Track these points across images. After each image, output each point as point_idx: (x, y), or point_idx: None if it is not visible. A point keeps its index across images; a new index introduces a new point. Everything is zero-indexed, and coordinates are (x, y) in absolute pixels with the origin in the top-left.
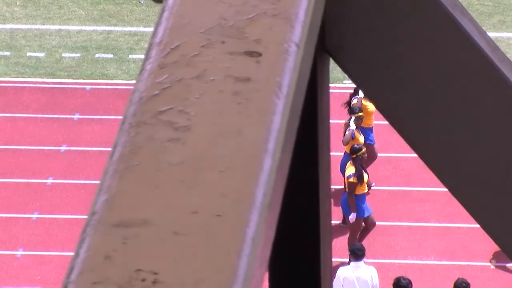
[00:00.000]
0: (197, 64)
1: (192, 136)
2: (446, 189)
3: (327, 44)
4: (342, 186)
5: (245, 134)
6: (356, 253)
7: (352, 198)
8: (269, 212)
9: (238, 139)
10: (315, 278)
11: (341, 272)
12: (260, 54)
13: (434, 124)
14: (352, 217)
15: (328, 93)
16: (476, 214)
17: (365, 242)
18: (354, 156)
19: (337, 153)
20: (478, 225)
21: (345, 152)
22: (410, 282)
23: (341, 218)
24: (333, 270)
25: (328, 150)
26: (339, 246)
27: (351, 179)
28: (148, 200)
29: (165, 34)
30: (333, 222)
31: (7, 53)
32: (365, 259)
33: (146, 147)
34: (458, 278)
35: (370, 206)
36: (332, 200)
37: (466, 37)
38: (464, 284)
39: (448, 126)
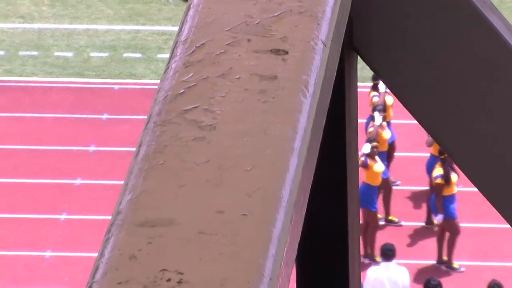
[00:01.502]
0: (222, 62)
1: (218, 135)
2: (477, 190)
3: (355, 42)
4: (428, 187)
5: (271, 133)
6: (387, 253)
7: (439, 199)
8: (295, 211)
9: (264, 138)
10: (343, 278)
11: (372, 272)
12: (286, 52)
13: (465, 124)
14: (439, 218)
15: (356, 92)
16: (507, 214)
17: (396, 243)
18: (443, 157)
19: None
20: (509, 226)
21: (431, 154)
22: (439, 284)
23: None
24: (364, 270)
25: (356, 149)
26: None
27: (438, 180)
28: (173, 200)
29: (191, 32)
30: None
31: (35, 53)
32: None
33: (171, 146)
34: (492, 280)
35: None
36: (413, 202)
37: (496, 34)
38: (497, 286)
39: (480, 126)
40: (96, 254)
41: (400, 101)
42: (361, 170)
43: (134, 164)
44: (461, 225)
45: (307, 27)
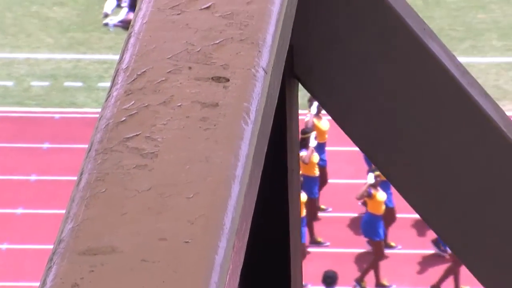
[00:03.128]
0: (164, 90)
1: (160, 163)
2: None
3: (295, 69)
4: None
5: (213, 160)
6: (327, 281)
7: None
8: (237, 238)
9: (206, 165)
10: None
11: None
12: (227, 80)
13: (403, 148)
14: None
15: (297, 119)
16: (443, 235)
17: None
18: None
19: None
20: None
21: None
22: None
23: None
24: None
25: (298, 175)
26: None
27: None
28: (115, 227)
29: (132, 60)
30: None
31: None
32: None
33: (113, 174)
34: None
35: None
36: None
37: (435, 61)
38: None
39: (417, 149)
40: (38, 284)
41: (340, 127)
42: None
43: (76, 192)
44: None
45: (248, 54)
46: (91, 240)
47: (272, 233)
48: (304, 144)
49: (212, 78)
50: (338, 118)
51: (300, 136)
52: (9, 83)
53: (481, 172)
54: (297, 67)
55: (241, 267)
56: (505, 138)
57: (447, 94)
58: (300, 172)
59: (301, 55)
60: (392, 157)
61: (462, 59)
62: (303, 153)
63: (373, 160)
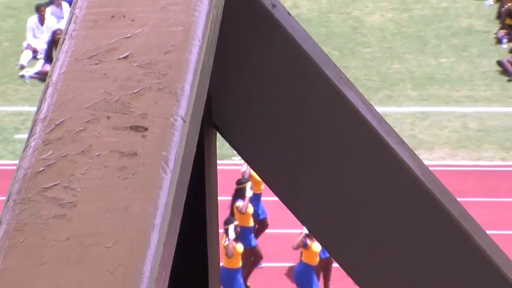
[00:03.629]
0: (82, 139)
1: (78, 212)
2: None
3: (214, 118)
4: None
5: (132, 209)
6: None
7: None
8: (156, 287)
9: (125, 214)
10: None
11: None
12: (146, 129)
13: (320, 196)
14: None
15: (215, 167)
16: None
17: None
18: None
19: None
20: None
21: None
22: None
23: None
24: None
25: (217, 224)
26: None
27: None
28: (34, 278)
29: (50, 110)
30: None
31: None
32: None
33: (31, 224)
34: None
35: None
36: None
37: (353, 109)
38: None
39: (335, 197)
40: None
41: (257, 174)
42: (299, 251)
43: None
44: None
45: (166, 103)
46: None
47: (191, 282)
48: (240, 194)
49: (130, 127)
50: (255, 166)
51: (236, 186)
52: None
53: (399, 220)
54: (215, 116)
55: None
56: (422, 186)
57: (364, 142)
58: (237, 222)
59: (219, 104)
60: (310, 205)
61: (378, 109)
62: (239, 203)
63: (289, 207)
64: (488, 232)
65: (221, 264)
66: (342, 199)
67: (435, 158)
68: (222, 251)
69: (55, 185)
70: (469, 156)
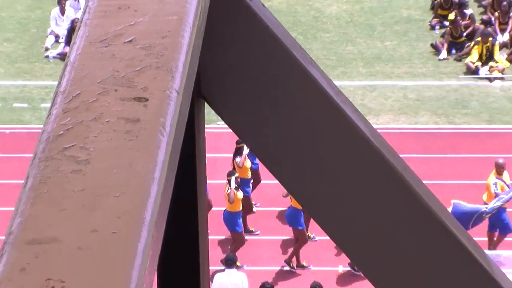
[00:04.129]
0: (95, 108)
1: (92, 168)
2: None
3: (202, 91)
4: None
5: (135, 166)
6: (228, 262)
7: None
8: (156, 229)
9: (129, 170)
10: (195, 281)
11: (217, 278)
12: (147, 100)
13: (292, 155)
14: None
15: (204, 132)
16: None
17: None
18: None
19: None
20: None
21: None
22: (272, 287)
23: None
24: (211, 276)
25: (205, 177)
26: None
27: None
28: (56, 222)
29: (68, 84)
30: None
31: None
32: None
33: (53, 177)
34: (313, 281)
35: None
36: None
37: (315, 83)
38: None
39: (301, 156)
40: None
41: (240, 138)
42: (288, 197)
43: (23, 193)
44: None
45: (163, 79)
46: (35, 232)
47: (184, 223)
48: (239, 152)
49: (134, 98)
50: (238, 132)
51: (236, 145)
52: None
53: (351, 175)
54: (204, 89)
55: (159, 252)
56: (372, 146)
57: (325, 111)
58: (237, 174)
59: (207, 79)
60: (285, 163)
61: (335, 83)
62: (237, 159)
63: (266, 164)
64: (424, 182)
65: (224, 208)
66: (307, 157)
67: (381, 122)
68: (225, 197)
69: (73, 146)
70: (408, 121)
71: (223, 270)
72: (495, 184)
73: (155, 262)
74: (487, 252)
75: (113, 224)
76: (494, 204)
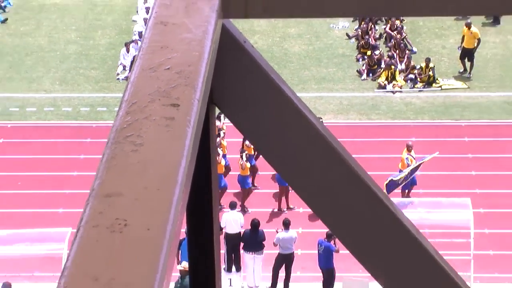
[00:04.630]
0: (146, 111)
1: (144, 149)
2: None
3: (214, 100)
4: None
5: (171, 147)
6: (231, 206)
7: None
8: (185, 189)
9: (168, 149)
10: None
11: (224, 216)
12: (179, 105)
13: (288, 145)
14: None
15: (215, 130)
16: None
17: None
18: None
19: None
20: None
21: None
22: (258, 222)
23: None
24: (220, 216)
25: (215, 158)
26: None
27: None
28: (121, 182)
29: (129, 96)
30: None
31: None
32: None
33: (119, 154)
34: (285, 218)
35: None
36: None
37: (287, 97)
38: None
39: (289, 152)
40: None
41: (247, 139)
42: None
43: (100, 164)
44: None
45: (189, 92)
46: (108, 189)
47: (201, 195)
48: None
49: (171, 104)
50: (243, 131)
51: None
52: (69, 109)
53: (309, 168)
54: (215, 97)
55: (186, 203)
56: (320, 133)
57: (291, 113)
58: (246, 152)
59: (217, 91)
60: (277, 154)
61: (297, 94)
62: (247, 142)
63: (263, 155)
64: (353, 155)
65: (238, 173)
66: (290, 148)
67: (326, 119)
68: (239, 166)
69: (132, 134)
70: (343, 118)
71: (228, 211)
72: (407, 158)
73: (184, 208)
74: (400, 200)
75: (157, 183)
76: (405, 173)
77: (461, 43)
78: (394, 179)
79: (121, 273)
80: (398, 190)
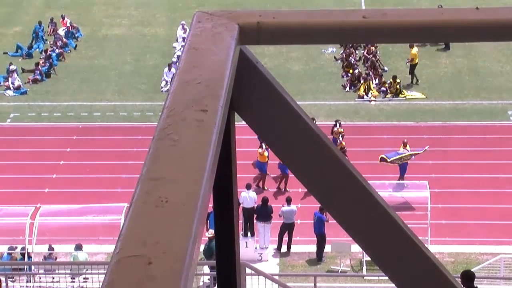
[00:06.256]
0: (182, 115)
1: (181, 144)
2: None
3: (234, 106)
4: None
5: (202, 141)
6: (247, 186)
7: None
8: (211, 175)
9: (199, 143)
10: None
11: (242, 194)
12: (207, 110)
13: (301, 149)
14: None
15: (234, 133)
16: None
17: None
18: None
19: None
20: None
21: None
22: (267, 199)
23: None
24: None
25: (235, 154)
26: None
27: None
28: (163, 169)
29: (169, 103)
30: None
31: None
32: (252, 189)
33: (162, 148)
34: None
35: None
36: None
37: (289, 103)
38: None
39: (299, 147)
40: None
41: (258, 136)
42: None
43: (147, 155)
44: None
45: (215, 101)
46: (153, 174)
47: (223, 186)
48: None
49: (201, 110)
50: (262, 137)
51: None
52: (125, 114)
53: (298, 161)
54: (235, 105)
55: (213, 183)
56: (316, 133)
57: (294, 118)
58: (258, 158)
59: (237, 100)
60: (288, 154)
61: (298, 103)
62: (259, 149)
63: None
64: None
65: (257, 159)
66: (295, 146)
67: (319, 121)
68: (258, 154)
69: (171, 133)
70: (332, 121)
71: (244, 191)
72: (404, 152)
73: (211, 189)
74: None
75: (190, 170)
76: (397, 157)
77: (409, 61)
78: (387, 159)
79: (163, 238)
80: (396, 174)
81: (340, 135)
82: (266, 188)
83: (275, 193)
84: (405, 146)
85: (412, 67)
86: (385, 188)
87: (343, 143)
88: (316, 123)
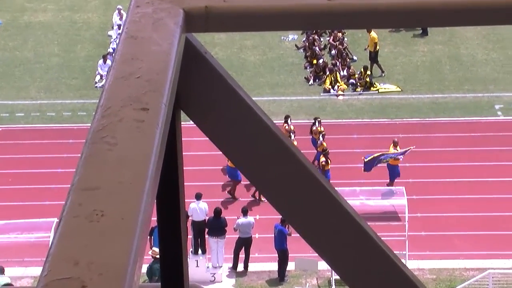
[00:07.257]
0: (119, 114)
1: (118, 148)
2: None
3: (180, 104)
4: None
5: (143, 146)
6: (197, 196)
7: None
8: (155, 178)
9: (139, 147)
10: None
11: (191, 206)
12: (148, 109)
13: (245, 148)
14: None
15: (180, 132)
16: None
17: None
18: None
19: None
20: None
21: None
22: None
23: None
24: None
25: (181, 154)
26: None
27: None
28: (98, 177)
29: (104, 101)
30: None
31: None
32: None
33: (96, 153)
34: (243, 206)
35: None
36: None
37: (243, 99)
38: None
39: (250, 147)
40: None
41: (208, 137)
42: None
43: (79, 161)
44: None
45: (157, 97)
46: (86, 184)
47: (168, 187)
48: None
49: (141, 108)
50: (204, 130)
51: None
52: (53, 114)
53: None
54: (180, 102)
55: (156, 194)
56: (273, 132)
57: (247, 115)
58: (228, 164)
59: (182, 97)
60: (238, 152)
61: (253, 98)
62: None
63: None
64: (303, 151)
65: (227, 164)
66: (251, 144)
67: (279, 119)
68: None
69: (107, 136)
70: (294, 118)
71: (194, 201)
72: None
73: (153, 200)
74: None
75: (130, 178)
76: (389, 156)
77: (368, 47)
78: (365, 160)
79: (98, 257)
80: (386, 180)
81: (321, 135)
82: (236, 198)
83: (249, 203)
84: (395, 146)
85: (374, 55)
86: (356, 196)
87: (324, 144)
88: (275, 121)
